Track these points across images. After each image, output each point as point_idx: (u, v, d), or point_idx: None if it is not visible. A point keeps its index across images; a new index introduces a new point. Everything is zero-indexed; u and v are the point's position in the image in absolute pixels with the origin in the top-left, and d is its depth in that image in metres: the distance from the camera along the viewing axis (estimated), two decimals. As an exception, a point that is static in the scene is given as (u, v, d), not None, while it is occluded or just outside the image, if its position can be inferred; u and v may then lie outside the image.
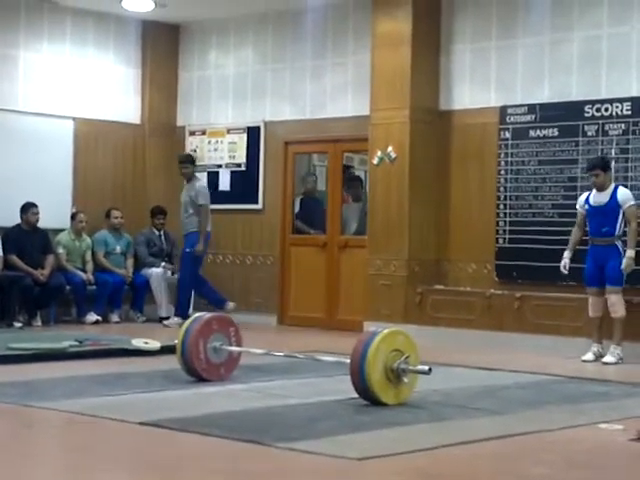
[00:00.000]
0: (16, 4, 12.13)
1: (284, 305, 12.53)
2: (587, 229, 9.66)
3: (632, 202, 9.33)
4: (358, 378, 6.56)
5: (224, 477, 4.83)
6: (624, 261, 9.21)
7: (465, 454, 5.35)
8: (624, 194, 9.37)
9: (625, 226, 9.35)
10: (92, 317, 11.92)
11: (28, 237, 11.61)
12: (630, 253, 9.21)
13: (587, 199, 9.54)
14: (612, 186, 9.42)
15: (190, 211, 11.86)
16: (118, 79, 13.09)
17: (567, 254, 9.62)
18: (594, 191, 9.48)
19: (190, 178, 11.99)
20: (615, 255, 9.29)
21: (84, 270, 12.15)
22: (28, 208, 11.63)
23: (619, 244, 9.31)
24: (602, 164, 9.49)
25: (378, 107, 11.33)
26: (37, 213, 11.64)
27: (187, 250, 11.84)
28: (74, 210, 12.35)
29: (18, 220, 11.68)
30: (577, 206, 9.69)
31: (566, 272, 9.61)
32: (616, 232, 9.30)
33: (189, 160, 12.05)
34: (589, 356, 9.37)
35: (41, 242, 11.72)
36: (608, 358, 9.25)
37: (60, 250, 12.04)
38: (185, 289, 11.95)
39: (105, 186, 12.87)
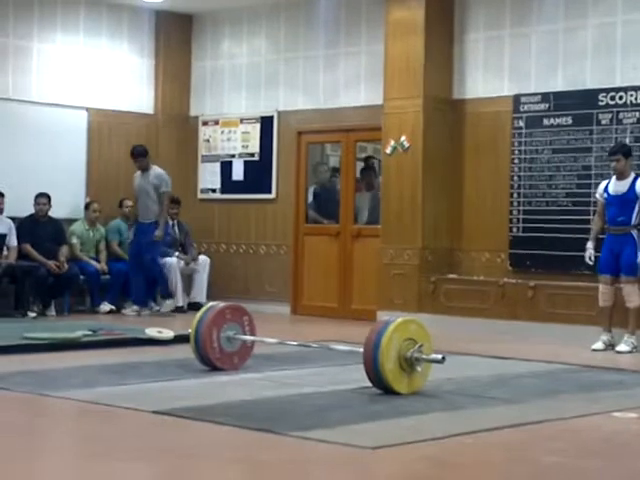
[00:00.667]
0: (29, -5, 12.16)
1: (297, 295, 12.54)
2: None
3: None
4: (371, 367, 6.56)
5: (238, 466, 4.84)
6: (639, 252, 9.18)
7: (478, 443, 5.35)
8: None
9: None
10: (106, 307, 11.96)
11: (42, 227, 11.65)
12: None
13: (606, 187, 9.44)
14: (632, 175, 9.32)
15: (152, 199, 11.85)
16: (131, 69, 13.10)
17: (590, 244, 9.52)
18: (613, 179, 9.38)
19: (146, 168, 11.98)
20: (630, 244, 9.23)
21: (98, 260, 12.18)
22: (35, 198, 11.66)
23: (635, 234, 9.23)
24: (624, 150, 9.40)
25: (391, 96, 11.32)
26: (45, 204, 11.65)
27: (149, 240, 11.81)
28: (88, 200, 12.38)
29: (32, 210, 11.72)
30: (597, 194, 9.61)
31: (591, 263, 9.51)
32: (632, 221, 9.22)
33: (144, 154, 12.01)
34: (599, 345, 9.31)
35: (55, 232, 11.74)
36: (622, 347, 9.19)
37: (74, 240, 12.07)
38: (160, 277, 12.00)
39: (119, 176, 12.88)
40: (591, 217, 10.29)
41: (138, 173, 12.02)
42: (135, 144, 12.18)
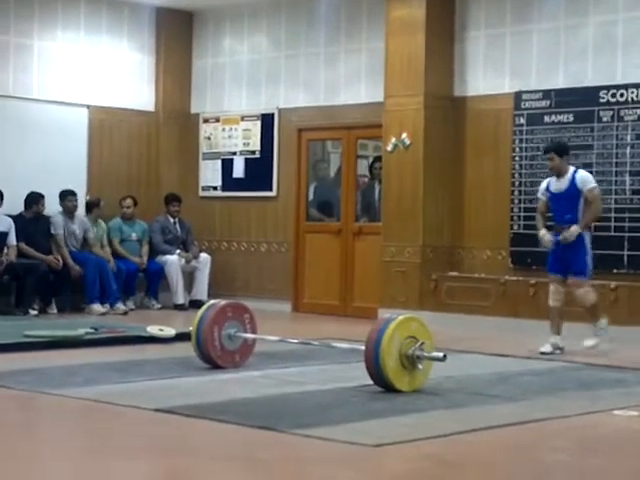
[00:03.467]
0: (30, -8, 12.15)
1: (298, 292, 12.54)
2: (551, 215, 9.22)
3: (592, 184, 8.84)
4: (373, 365, 6.56)
5: (239, 463, 4.84)
6: (565, 232, 8.75)
7: (480, 441, 5.35)
8: (583, 178, 8.85)
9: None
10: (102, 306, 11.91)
11: (33, 225, 11.58)
12: (575, 228, 8.72)
13: (548, 186, 9.05)
14: (571, 171, 8.90)
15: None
16: (132, 66, 13.09)
17: (544, 231, 9.01)
18: (554, 178, 8.99)
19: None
20: (579, 244, 8.79)
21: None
22: (30, 199, 11.63)
23: (583, 232, 8.81)
24: (557, 148, 9.02)
25: (392, 94, 11.31)
26: (43, 204, 11.65)
27: None
28: (88, 198, 12.37)
29: (33, 208, 11.68)
30: (538, 193, 9.19)
31: (553, 246, 8.92)
32: (579, 218, 8.81)
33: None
34: (547, 348, 8.79)
35: (46, 229, 11.70)
36: (588, 342, 8.84)
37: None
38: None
39: (119, 173, 12.89)
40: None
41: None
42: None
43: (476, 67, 11.24)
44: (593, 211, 8.86)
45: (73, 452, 5.05)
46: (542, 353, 8.71)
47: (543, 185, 9.13)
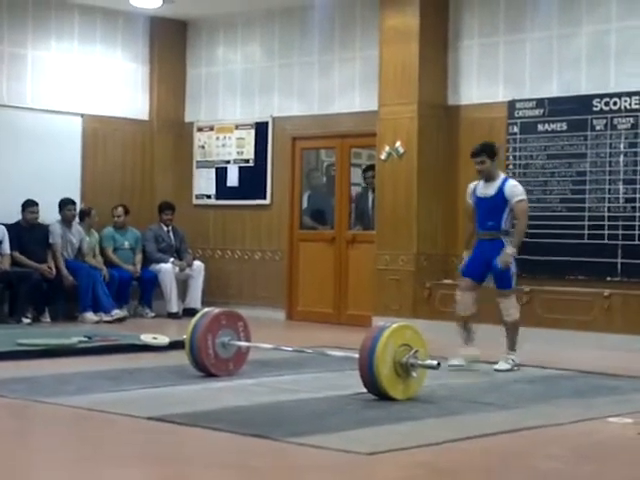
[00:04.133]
0: (23, 2, 12.13)
1: (292, 300, 12.53)
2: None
3: (521, 197, 8.25)
4: (367, 373, 6.55)
5: (233, 472, 4.83)
6: (500, 256, 8.15)
7: (474, 449, 5.35)
8: (512, 188, 8.27)
9: (514, 221, 8.35)
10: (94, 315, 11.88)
11: (29, 233, 11.57)
12: (510, 250, 8.15)
13: (475, 190, 8.47)
14: (501, 177, 8.38)
15: None
16: (126, 75, 13.09)
17: (465, 254, 8.51)
18: (482, 181, 8.42)
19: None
20: (500, 252, 8.19)
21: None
22: (25, 206, 11.61)
23: (506, 240, 8.22)
24: (488, 150, 8.40)
25: (386, 102, 11.33)
26: (36, 212, 11.62)
27: None
28: (82, 206, 12.36)
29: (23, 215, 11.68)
30: (466, 197, 8.65)
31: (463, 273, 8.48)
32: (502, 227, 8.24)
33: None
34: (458, 360, 8.19)
35: (41, 237, 11.69)
36: (501, 365, 8.19)
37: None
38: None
39: (114, 182, 12.88)
40: (586, 223, 10.32)
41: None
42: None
43: (470, 76, 11.25)
44: (521, 228, 8.28)
45: (66, 460, 5.04)
46: (451, 366, 8.06)
47: (470, 188, 8.54)
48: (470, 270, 8.40)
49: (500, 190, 8.28)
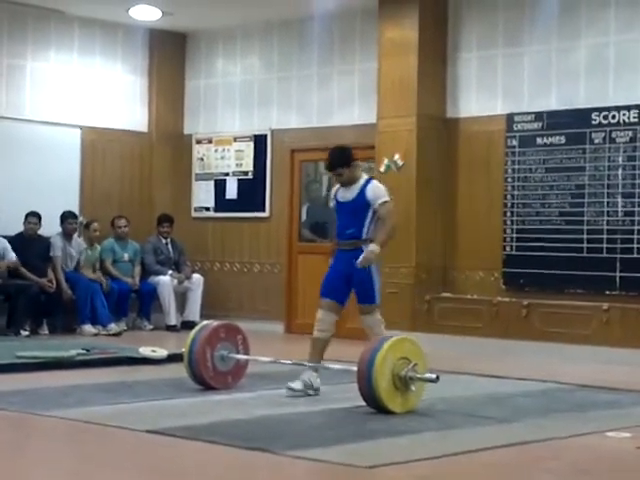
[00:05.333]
0: (24, 14, 12.15)
1: (291, 313, 12.52)
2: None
3: (384, 199, 7.42)
4: (365, 386, 6.55)
5: (232, 485, 4.82)
6: (363, 254, 7.27)
7: (473, 462, 5.34)
8: (375, 189, 7.46)
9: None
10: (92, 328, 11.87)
11: (30, 245, 11.57)
12: (373, 247, 7.27)
13: (336, 193, 7.66)
14: (364, 179, 7.53)
15: None
16: (125, 87, 13.11)
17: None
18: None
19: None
20: (366, 274, 7.36)
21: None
22: (25, 217, 11.63)
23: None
24: (342, 160, 7.51)
25: (385, 115, 11.34)
26: (35, 223, 11.62)
27: None
28: (82, 219, 12.35)
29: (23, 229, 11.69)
30: (329, 201, 7.92)
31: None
32: (363, 235, 7.39)
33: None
34: (297, 385, 7.31)
35: (43, 250, 11.68)
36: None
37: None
38: None
39: (112, 194, 12.89)
40: (584, 236, 10.32)
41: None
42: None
43: (468, 89, 11.27)
44: (388, 229, 7.41)
45: (64, 473, 5.02)
46: (290, 389, 7.28)
47: (333, 191, 7.75)
48: (329, 290, 7.47)
49: (361, 193, 7.44)
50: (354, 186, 7.48)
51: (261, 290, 12.73)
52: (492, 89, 11.12)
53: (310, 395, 7.26)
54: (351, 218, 7.45)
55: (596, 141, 10.34)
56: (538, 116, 10.72)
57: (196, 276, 12.72)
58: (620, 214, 10.20)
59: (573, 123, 10.46)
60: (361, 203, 7.41)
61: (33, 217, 11.63)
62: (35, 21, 12.28)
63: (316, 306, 8.49)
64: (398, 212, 11.14)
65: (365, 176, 7.59)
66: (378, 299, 7.45)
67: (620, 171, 10.19)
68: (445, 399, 7.20)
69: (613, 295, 10.10)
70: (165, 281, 12.42)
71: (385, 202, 7.42)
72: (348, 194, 7.49)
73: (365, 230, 7.40)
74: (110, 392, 7.29)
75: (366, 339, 7.48)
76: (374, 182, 7.56)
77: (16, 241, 11.55)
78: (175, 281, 12.48)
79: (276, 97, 12.74)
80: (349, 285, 7.42)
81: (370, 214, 7.40)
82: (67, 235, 11.87)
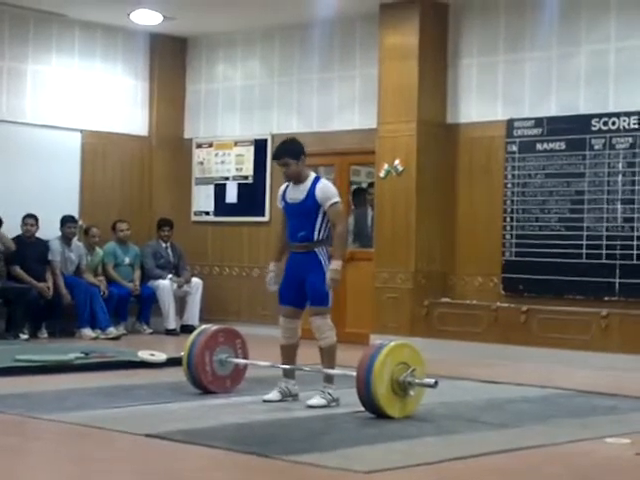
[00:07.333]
0: (25, 17, 12.16)
1: (290, 318, 12.49)
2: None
3: (334, 200, 7.12)
4: (364, 391, 6.55)
5: (230, 490, 4.82)
6: (327, 274, 7.06)
7: (471, 468, 5.34)
8: (324, 190, 7.15)
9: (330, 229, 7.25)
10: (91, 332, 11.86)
11: (29, 248, 11.57)
12: (335, 264, 7.05)
13: (285, 192, 7.34)
14: (312, 177, 7.22)
15: None
16: (126, 92, 13.12)
17: (272, 266, 7.51)
18: (291, 184, 7.30)
19: None
20: (315, 267, 7.11)
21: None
22: (22, 219, 11.63)
23: (320, 252, 7.15)
24: (290, 151, 7.22)
25: (385, 120, 11.35)
26: (32, 224, 11.61)
27: None
28: (81, 223, 12.35)
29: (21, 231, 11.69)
30: (277, 201, 7.51)
31: (275, 288, 7.43)
32: (315, 237, 7.12)
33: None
34: (274, 395, 7.20)
35: (41, 253, 11.68)
36: (315, 400, 7.04)
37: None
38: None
39: (112, 198, 12.89)
40: (584, 242, 10.33)
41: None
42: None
43: (469, 94, 11.28)
44: (340, 235, 7.17)
45: (63, 477, 5.02)
46: (267, 401, 7.13)
47: (280, 192, 7.41)
48: (286, 296, 7.29)
49: (310, 193, 7.14)
50: (302, 186, 7.18)
51: (260, 294, 12.68)
52: (492, 95, 11.13)
53: (288, 401, 7.19)
54: (302, 220, 7.16)
55: (596, 147, 10.35)
56: (538, 122, 10.73)
57: (195, 280, 12.72)
58: (620, 220, 10.20)
59: (573, 129, 10.47)
60: (311, 204, 7.13)
61: (30, 218, 11.64)
62: (36, 25, 12.29)
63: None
64: (397, 217, 11.24)
65: (313, 174, 7.29)
66: (330, 302, 7.23)
67: (620, 177, 10.20)
68: (444, 404, 7.20)
69: (612, 301, 10.10)
70: (165, 285, 12.42)
71: (335, 203, 7.13)
72: (297, 194, 7.20)
73: (317, 232, 7.14)
74: (109, 396, 7.29)
75: (366, 344, 7.50)
76: (323, 181, 7.27)
77: (14, 243, 11.53)
78: (175, 285, 12.48)
79: (277, 102, 12.75)
80: (303, 287, 7.20)
81: (321, 215, 7.13)
82: (66, 239, 11.86)
